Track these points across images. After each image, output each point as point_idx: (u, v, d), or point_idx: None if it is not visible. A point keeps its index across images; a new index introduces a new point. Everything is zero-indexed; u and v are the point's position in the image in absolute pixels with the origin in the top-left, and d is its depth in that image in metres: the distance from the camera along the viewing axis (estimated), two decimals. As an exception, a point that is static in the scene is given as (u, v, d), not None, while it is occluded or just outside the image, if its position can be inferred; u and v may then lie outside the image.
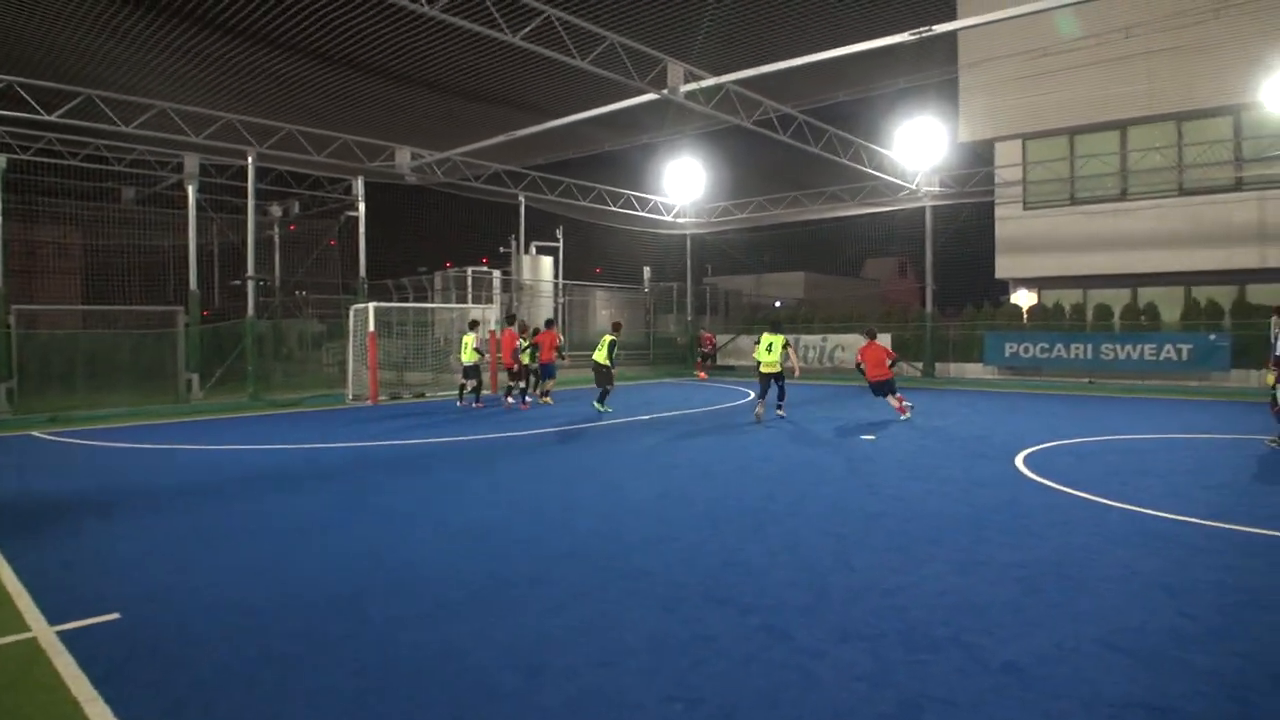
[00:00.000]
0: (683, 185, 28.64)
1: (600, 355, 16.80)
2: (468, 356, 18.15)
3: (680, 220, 31.38)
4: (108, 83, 17.00)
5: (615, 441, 12.73)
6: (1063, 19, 21.59)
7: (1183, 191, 23.48)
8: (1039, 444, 11.64)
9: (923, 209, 26.06)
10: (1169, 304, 23.20)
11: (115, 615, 4.99)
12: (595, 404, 16.63)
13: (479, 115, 20.91)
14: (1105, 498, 8.01)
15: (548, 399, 18.39)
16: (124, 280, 22.76)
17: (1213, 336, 20.96)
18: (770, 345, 14.99)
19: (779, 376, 15.05)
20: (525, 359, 18.37)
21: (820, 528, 7.00)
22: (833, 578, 5.60)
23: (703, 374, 28.21)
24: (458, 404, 18.29)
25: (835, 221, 30.71)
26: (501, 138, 20.89)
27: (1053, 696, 3.80)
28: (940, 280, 26.92)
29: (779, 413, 15.38)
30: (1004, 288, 27.45)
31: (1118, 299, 24.13)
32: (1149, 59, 22.42)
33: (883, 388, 15.31)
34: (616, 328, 17.90)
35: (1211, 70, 21.80)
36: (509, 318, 20.01)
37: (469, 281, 26.64)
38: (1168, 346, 21.44)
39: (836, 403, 18.47)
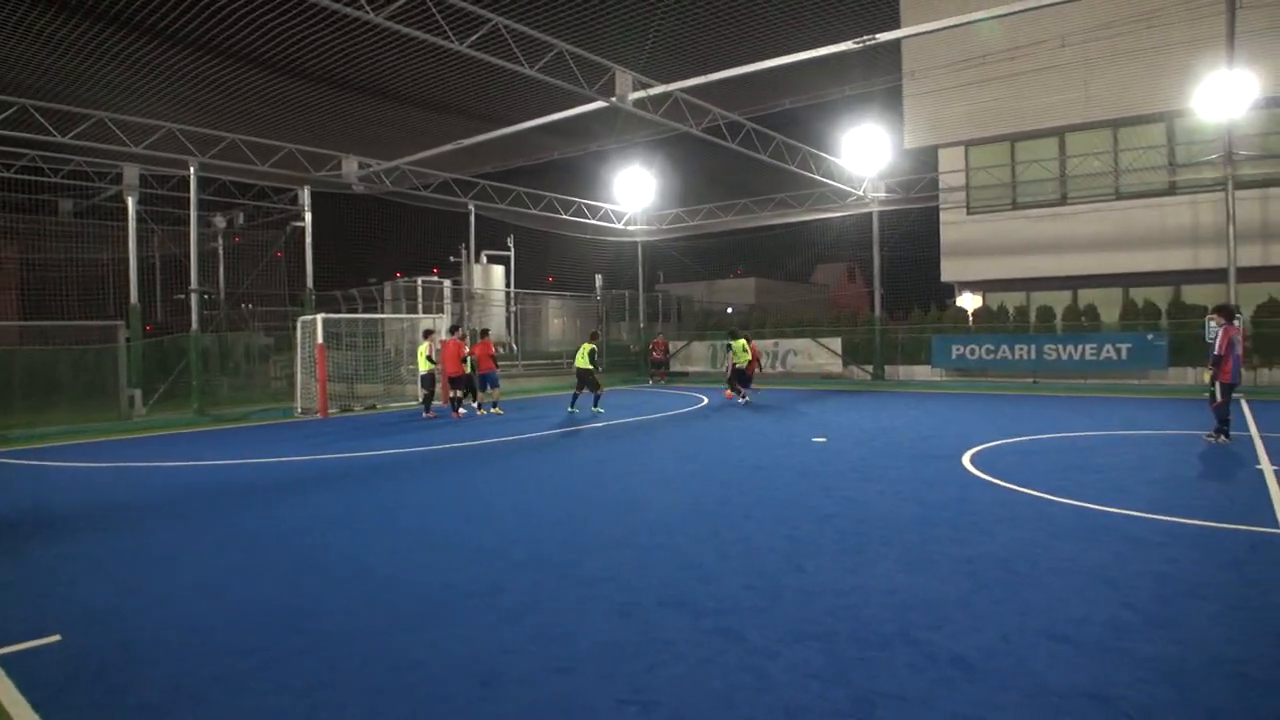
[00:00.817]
0: (633, 193, 28.73)
1: (581, 360, 17.72)
2: (423, 366, 18.17)
3: (631, 228, 31.47)
4: (43, 92, 16.56)
5: (568, 449, 12.71)
6: (987, 25, 22.12)
7: (1119, 196, 24.20)
8: (986, 443, 11.88)
9: (870, 215, 26.48)
10: (1108, 305, 23.87)
11: (56, 637, 4.86)
12: (571, 408, 17.88)
13: (427, 123, 20.78)
14: (1050, 493, 8.20)
15: (497, 409, 18.24)
16: (62, 295, 22.17)
17: (1150, 336, 21.59)
18: (744, 346, 20.19)
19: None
20: (467, 368, 18.41)
21: (773, 530, 7.06)
22: (786, 579, 5.65)
23: (658, 378, 28.29)
24: (424, 414, 18.08)
25: (785, 228, 31.02)
26: (450, 146, 20.80)
27: (1000, 688, 3.89)
28: (888, 284, 27.38)
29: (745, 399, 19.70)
30: (950, 291, 28.01)
31: (1059, 300, 24.77)
32: (1085, 67, 23.10)
33: (744, 377, 20.29)
34: (594, 336, 18.77)
35: (1145, 78, 22.53)
36: (452, 328, 19.85)
37: (419, 291, 26.41)
38: (1108, 346, 22.04)
39: (788, 406, 18.65)
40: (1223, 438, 11.40)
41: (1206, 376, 11.84)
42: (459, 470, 10.91)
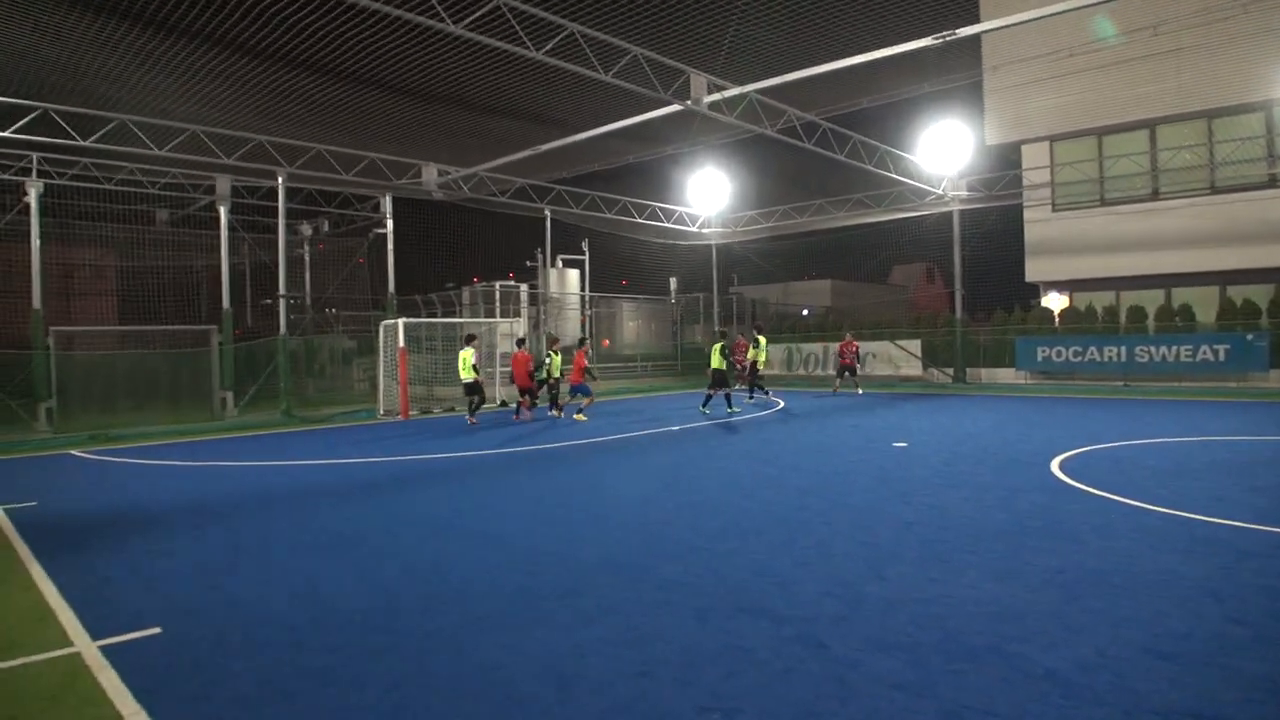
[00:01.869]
0: (707, 195, 28.68)
1: (717, 361, 18.41)
2: (466, 373, 17.65)
3: (705, 230, 31.38)
4: (140, 107, 17.31)
5: (643, 454, 12.70)
6: (1101, 21, 21.41)
7: (1215, 190, 23.13)
8: (1075, 449, 11.46)
9: (950, 214, 25.85)
10: (1204, 304, 22.82)
11: (156, 630, 5.05)
12: (732, 407, 18.41)
13: (504, 130, 21.06)
14: (1145, 502, 7.87)
15: (581, 415, 18.09)
16: (159, 300, 23.15)
17: (1250, 336, 20.56)
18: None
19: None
20: (544, 374, 18.46)
21: (853, 537, 6.93)
22: (867, 587, 5.54)
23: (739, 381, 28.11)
24: (468, 421, 17.64)
25: (861, 228, 30.50)
26: (527, 152, 21.03)
27: (1096, 704, 3.73)
28: (969, 285, 26.66)
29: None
30: (1034, 291, 27.14)
31: (1151, 300, 23.78)
32: (1176, 56, 22.13)
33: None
34: (724, 334, 19.65)
35: (1240, 66, 21.48)
36: (519, 341, 19.83)
37: (497, 296, 26.79)
38: (1204, 347, 21.06)
39: (866, 410, 18.33)
40: None
41: None
42: (535, 473, 11.01)
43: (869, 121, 24.40)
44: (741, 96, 17.36)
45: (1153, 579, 5.52)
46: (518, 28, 13.07)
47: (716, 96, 16.92)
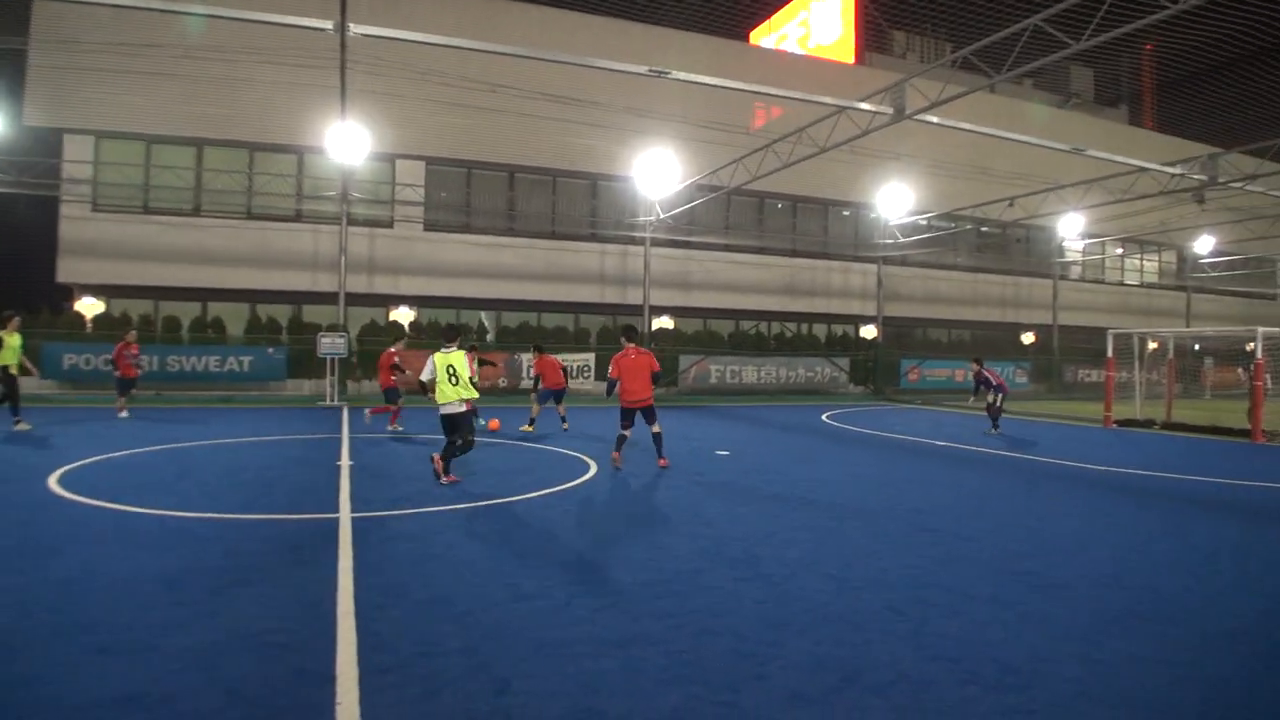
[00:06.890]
0: None
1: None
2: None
3: None
4: None
5: None
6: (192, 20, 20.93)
7: (251, 215, 25.29)
8: (80, 460, 10.96)
9: (-36, 194, 22.35)
10: (235, 318, 24.66)
11: None
12: None
13: None
14: (138, 506, 8.05)
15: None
16: None
17: (271, 350, 23.02)
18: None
19: None
20: None
21: None
22: None
23: None
24: None
25: None
26: None
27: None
28: (-7, 280, 23.43)
29: None
30: (68, 293, 25.21)
31: (188, 311, 24.54)
32: (229, 85, 23.55)
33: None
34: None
35: (283, 110, 24.11)
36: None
37: None
38: (231, 358, 22.75)
39: None
40: None
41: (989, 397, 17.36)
42: None
43: None
44: None
45: (123, 576, 5.71)
46: None
47: None
